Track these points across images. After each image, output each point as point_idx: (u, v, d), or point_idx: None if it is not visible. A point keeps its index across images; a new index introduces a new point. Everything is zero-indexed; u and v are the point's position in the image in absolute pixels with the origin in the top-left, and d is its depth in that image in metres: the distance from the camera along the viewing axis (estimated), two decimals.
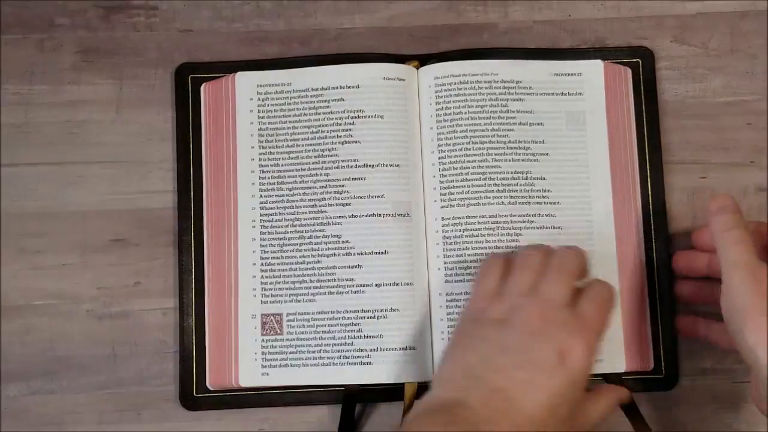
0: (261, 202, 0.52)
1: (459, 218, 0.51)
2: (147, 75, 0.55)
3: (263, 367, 0.50)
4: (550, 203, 0.51)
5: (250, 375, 0.50)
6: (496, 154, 0.52)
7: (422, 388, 0.50)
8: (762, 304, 0.41)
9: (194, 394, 0.51)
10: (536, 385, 0.41)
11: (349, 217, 0.51)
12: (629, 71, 0.54)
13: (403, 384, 0.50)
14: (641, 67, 0.54)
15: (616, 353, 0.50)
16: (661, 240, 0.52)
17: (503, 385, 0.41)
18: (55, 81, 0.55)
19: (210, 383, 0.51)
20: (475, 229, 0.51)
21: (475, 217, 0.51)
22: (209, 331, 0.52)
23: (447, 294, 0.51)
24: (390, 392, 0.51)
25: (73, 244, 0.53)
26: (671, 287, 0.52)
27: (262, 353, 0.50)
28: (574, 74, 0.53)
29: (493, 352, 0.43)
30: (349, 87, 0.52)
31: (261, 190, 0.52)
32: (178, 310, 0.52)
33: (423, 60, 0.54)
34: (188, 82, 0.54)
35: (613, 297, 0.46)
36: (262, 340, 0.51)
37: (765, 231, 0.47)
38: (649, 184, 0.53)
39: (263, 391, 0.51)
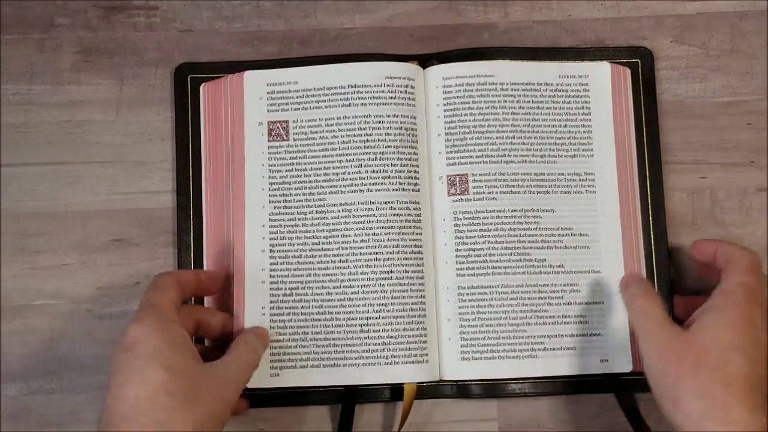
0: (271, 201, 0.52)
1: (469, 215, 0.51)
2: (147, 75, 0.55)
3: (272, 368, 0.50)
4: (559, 206, 0.52)
5: (258, 376, 0.50)
6: (504, 154, 0.52)
7: (422, 388, 0.50)
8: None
9: None
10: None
11: (358, 216, 0.51)
12: (628, 71, 0.54)
13: (402, 384, 0.50)
14: (640, 67, 0.54)
15: (621, 354, 0.50)
16: (660, 240, 0.52)
17: None
18: (55, 81, 0.55)
19: None
20: (485, 229, 0.51)
21: (486, 212, 0.51)
22: None
23: (459, 288, 0.51)
24: (390, 392, 0.51)
25: (73, 244, 0.53)
26: (671, 288, 0.52)
27: (272, 354, 0.50)
28: (582, 76, 0.53)
29: None
30: (356, 85, 0.52)
31: (271, 190, 0.52)
32: None
33: (423, 60, 0.54)
34: (188, 82, 0.54)
35: None
36: (272, 341, 0.50)
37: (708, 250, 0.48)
38: (648, 184, 0.53)
39: (263, 391, 0.51)
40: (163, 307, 0.44)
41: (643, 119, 0.54)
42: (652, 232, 0.52)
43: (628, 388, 0.50)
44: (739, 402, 0.40)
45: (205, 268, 0.52)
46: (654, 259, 0.52)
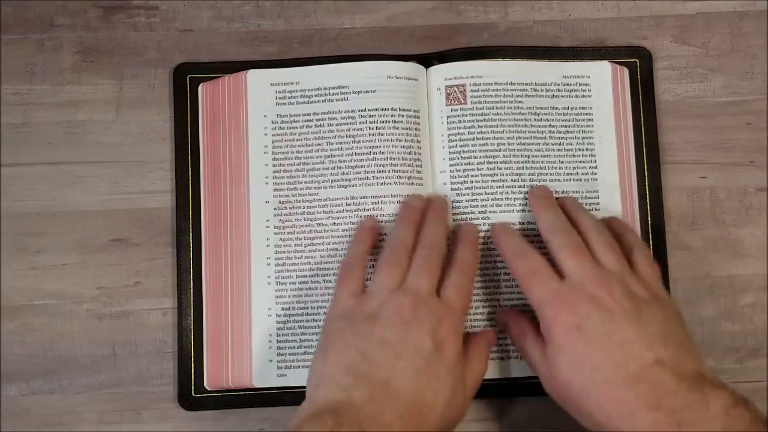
0: (275, 196, 0.52)
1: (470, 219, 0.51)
2: (147, 75, 0.55)
3: (279, 368, 0.50)
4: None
5: (265, 376, 0.50)
6: (508, 156, 0.52)
7: None
8: None
9: (193, 395, 0.51)
10: (417, 372, 0.42)
11: (363, 211, 0.51)
12: (626, 71, 0.54)
13: None
14: (639, 67, 0.54)
15: None
16: (659, 240, 0.52)
17: (385, 377, 0.42)
18: (55, 81, 0.55)
19: (208, 384, 0.51)
20: (488, 236, 0.51)
21: (487, 220, 0.51)
22: (207, 332, 0.52)
23: None
24: None
25: (73, 244, 0.53)
26: (668, 288, 0.52)
27: (279, 354, 0.50)
28: (583, 76, 0.53)
29: (370, 346, 0.43)
30: (359, 84, 0.52)
31: (275, 188, 0.52)
32: (177, 310, 0.52)
33: (423, 60, 0.54)
34: (187, 82, 0.54)
35: (472, 275, 0.48)
36: (278, 341, 0.50)
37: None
38: (646, 184, 0.53)
39: (262, 391, 0.51)
40: (460, 313, 0.46)
41: (642, 119, 0.54)
42: (651, 233, 0.53)
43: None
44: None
45: (204, 268, 0.52)
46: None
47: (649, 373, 0.41)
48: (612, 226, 0.49)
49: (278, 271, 0.51)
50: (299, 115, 0.52)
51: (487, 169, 0.52)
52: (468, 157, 0.52)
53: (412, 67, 0.53)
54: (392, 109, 0.52)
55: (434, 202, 0.50)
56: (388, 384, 0.42)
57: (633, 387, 0.41)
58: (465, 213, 0.51)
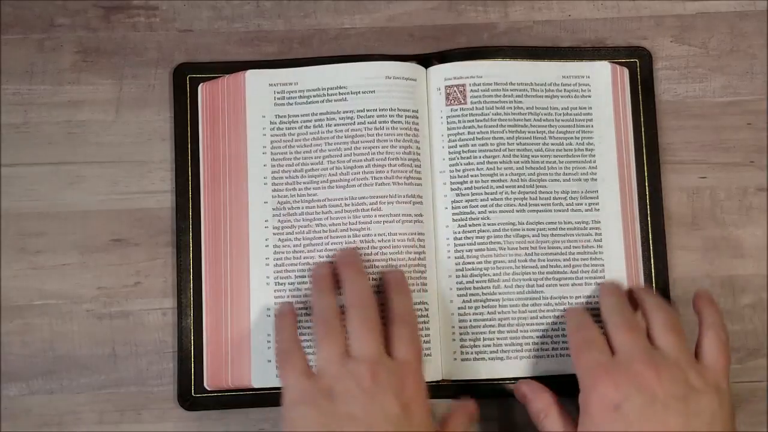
0: (274, 196, 0.52)
1: (470, 223, 0.51)
2: (147, 75, 0.55)
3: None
4: (561, 205, 0.52)
5: (265, 377, 0.50)
6: (508, 156, 0.52)
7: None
8: None
9: (193, 395, 0.51)
10: None
11: (361, 211, 0.51)
12: (626, 71, 0.54)
13: None
14: (639, 67, 0.54)
15: None
16: (658, 241, 0.52)
17: None
18: (55, 81, 0.55)
19: (208, 384, 0.51)
20: (487, 235, 0.51)
21: (487, 220, 0.51)
22: (207, 332, 0.52)
23: (458, 287, 0.51)
24: None
25: (73, 244, 0.53)
26: (667, 290, 0.52)
27: None
28: (583, 76, 0.53)
29: (337, 423, 0.41)
30: (358, 85, 0.52)
31: (273, 188, 0.52)
32: (177, 310, 0.52)
33: (423, 60, 0.54)
34: (186, 82, 0.54)
35: (415, 323, 0.46)
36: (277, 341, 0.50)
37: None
38: (646, 184, 0.53)
39: (262, 391, 0.51)
40: (419, 369, 0.45)
41: (642, 119, 0.54)
42: (650, 233, 0.52)
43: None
44: None
45: (204, 268, 0.52)
46: (652, 260, 0.52)
47: None
48: (695, 300, 0.47)
49: (277, 272, 0.51)
50: (298, 115, 0.52)
51: (487, 169, 0.52)
52: (468, 157, 0.52)
53: (411, 67, 0.53)
54: (391, 109, 0.52)
55: (344, 257, 0.49)
56: None
57: None
58: (465, 213, 0.51)
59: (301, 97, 0.53)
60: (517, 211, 0.51)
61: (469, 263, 0.51)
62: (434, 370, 0.50)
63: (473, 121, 0.52)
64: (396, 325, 0.45)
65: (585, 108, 0.53)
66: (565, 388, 0.50)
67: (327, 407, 0.42)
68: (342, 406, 0.42)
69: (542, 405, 0.46)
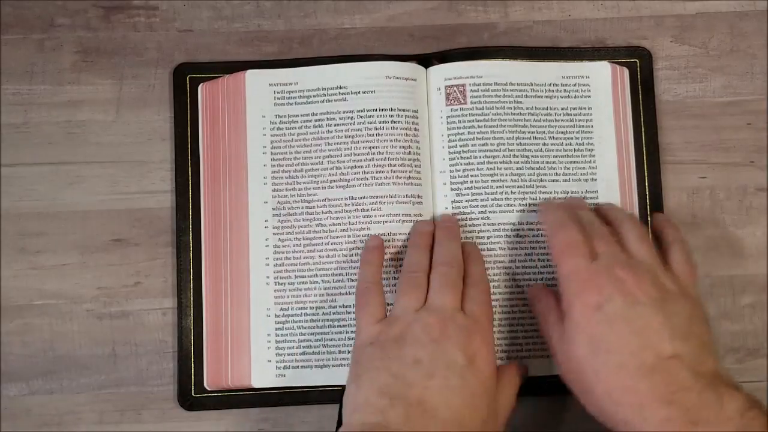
0: (274, 196, 0.52)
1: (470, 223, 0.51)
2: (147, 75, 0.55)
3: (278, 369, 0.50)
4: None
5: (264, 376, 0.50)
6: (507, 156, 0.52)
7: None
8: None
9: (192, 395, 0.51)
10: (452, 389, 0.42)
11: (361, 211, 0.51)
12: (626, 71, 0.54)
13: None
14: (639, 67, 0.54)
15: None
16: (659, 239, 0.52)
17: (420, 396, 0.41)
18: (55, 81, 0.55)
19: (208, 384, 0.51)
20: (487, 235, 0.51)
21: (487, 220, 0.51)
22: (207, 332, 0.52)
23: None
24: None
25: (73, 244, 0.53)
26: None
27: (278, 355, 0.50)
28: (582, 76, 0.53)
29: (402, 367, 0.42)
30: (358, 85, 0.52)
31: (273, 189, 0.52)
32: (177, 310, 0.52)
33: (423, 60, 0.54)
34: (186, 82, 0.54)
35: (488, 289, 0.48)
36: (276, 341, 0.50)
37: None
38: (646, 184, 0.53)
39: (262, 391, 0.51)
40: (488, 326, 0.45)
41: (642, 119, 0.54)
42: (650, 233, 0.52)
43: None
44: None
45: (203, 268, 0.52)
46: None
47: (665, 366, 0.40)
48: (654, 222, 0.49)
49: (277, 272, 0.51)
50: (298, 115, 0.52)
51: (487, 169, 0.52)
52: (468, 157, 0.52)
53: (411, 67, 0.53)
54: (390, 109, 0.52)
55: (443, 222, 0.50)
56: (424, 403, 0.41)
57: (646, 377, 0.40)
58: (465, 213, 0.51)
59: (301, 97, 0.53)
60: (517, 211, 0.51)
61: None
62: None
63: (473, 121, 0.52)
64: (470, 287, 0.47)
65: (585, 108, 0.53)
66: (564, 389, 0.50)
67: (393, 350, 0.43)
68: (408, 350, 0.43)
69: (547, 305, 0.47)
